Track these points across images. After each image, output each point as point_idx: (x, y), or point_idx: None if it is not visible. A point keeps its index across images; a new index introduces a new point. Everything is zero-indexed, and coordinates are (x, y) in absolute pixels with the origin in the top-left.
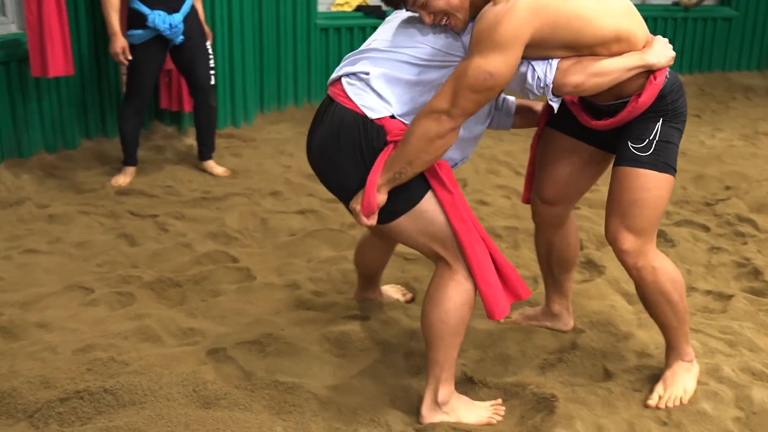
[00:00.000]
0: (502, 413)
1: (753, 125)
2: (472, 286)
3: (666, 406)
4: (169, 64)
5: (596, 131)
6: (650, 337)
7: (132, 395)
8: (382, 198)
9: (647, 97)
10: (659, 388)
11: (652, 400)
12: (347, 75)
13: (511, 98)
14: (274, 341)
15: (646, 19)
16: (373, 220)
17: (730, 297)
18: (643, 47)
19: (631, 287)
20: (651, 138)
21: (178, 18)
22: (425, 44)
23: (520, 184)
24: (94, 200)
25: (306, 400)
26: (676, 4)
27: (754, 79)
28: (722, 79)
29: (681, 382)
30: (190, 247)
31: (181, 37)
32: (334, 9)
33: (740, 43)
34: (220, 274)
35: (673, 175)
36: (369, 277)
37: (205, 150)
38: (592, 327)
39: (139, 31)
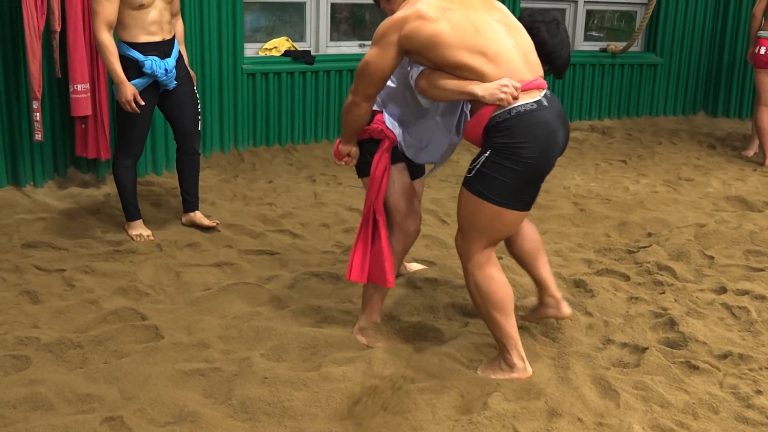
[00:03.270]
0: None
1: (676, 170)
2: (396, 254)
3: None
4: (86, 110)
5: None
6: None
7: None
8: (342, 147)
9: (473, 122)
10: (482, 366)
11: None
12: None
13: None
14: (173, 408)
15: (574, 65)
16: (342, 162)
17: (644, 350)
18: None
19: None
20: (475, 164)
21: (171, 62)
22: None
23: (444, 233)
24: None
25: None
26: (603, 50)
27: (680, 124)
28: (649, 124)
29: (489, 371)
30: (97, 304)
31: (175, 82)
32: (261, 54)
33: (665, 89)
34: (126, 334)
35: (490, 203)
36: None
37: (192, 200)
38: None
39: (138, 80)
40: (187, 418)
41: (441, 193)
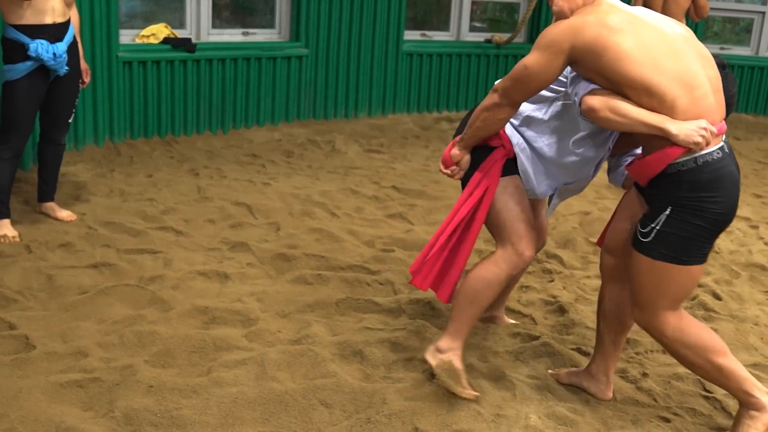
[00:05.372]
0: (469, 397)
1: None
2: (502, 271)
3: None
4: None
5: None
6: None
7: None
8: (456, 153)
9: (653, 159)
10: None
11: None
12: None
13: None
14: (48, 424)
15: (460, 56)
16: (448, 171)
17: (537, 338)
18: (682, 119)
19: None
20: (653, 225)
21: (62, 47)
22: None
23: (335, 226)
24: None
25: None
26: (488, 41)
27: None
28: None
29: (744, 429)
30: None
31: (66, 68)
32: (138, 41)
33: None
34: None
35: (681, 265)
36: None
37: (48, 190)
38: None
39: (21, 65)
40: None
41: (330, 185)
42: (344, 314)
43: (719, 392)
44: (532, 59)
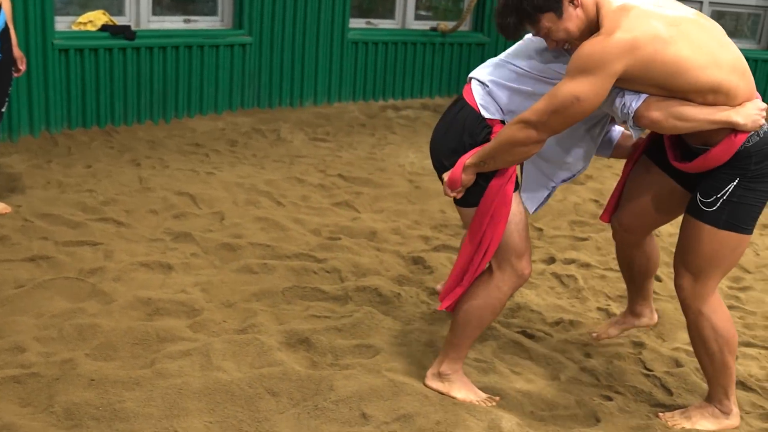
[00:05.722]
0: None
1: None
2: (504, 295)
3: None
4: None
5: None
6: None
7: None
8: (467, 178)
9: (720, 151)
10: (678, 412)
11: (663, 415)
12: (475, 79)
13: (618, 129)
14: None
15: (405, 44)
16: (454, 194)
17: None
18: (741, 103)
19: None
20: (719, 195)
21: None
22: (536, 59)
23: (280, 215)
24: None
25: None
26: (433, 29)
27: None
28: None
29: (697, 419)
30: None
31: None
32: (75, 28)
33: None
34: None
35: (741, 233)
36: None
37: None
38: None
39: None
40: None
41: (275, 174)
42: (290, 303)
43: (658, 370)
44: (582, 88)
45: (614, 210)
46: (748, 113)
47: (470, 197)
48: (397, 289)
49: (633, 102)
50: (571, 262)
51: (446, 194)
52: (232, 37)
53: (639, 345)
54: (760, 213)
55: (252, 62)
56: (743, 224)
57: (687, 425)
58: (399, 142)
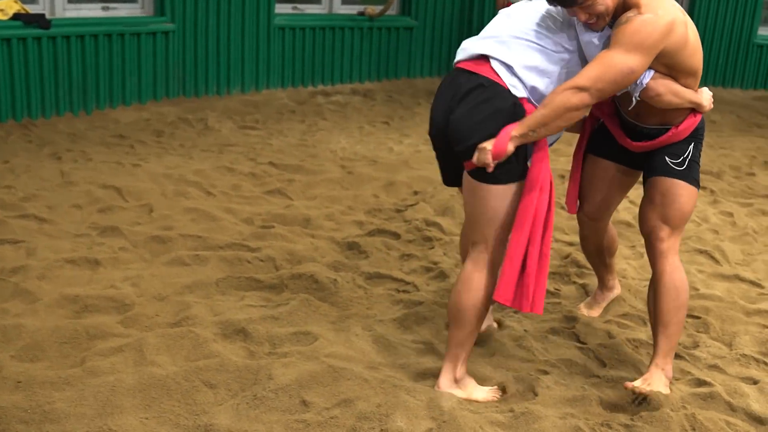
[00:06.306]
0: (498, 396)
1: None
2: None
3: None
4: None
5: (628, 153)
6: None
7: None
8: (509, 148)
9: (686, 127)
10: (641, 380)
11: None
12: (496, 59)
13: None
14: None
15: (333, 29)
16: (491, 165)
17: (420, 303)
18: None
19: None
20: (685, 156)
21: None
22: (556, 36)
23: (211, 206)
24: None
25: None
26: (361, 14)
27: (436, 84)
28: (408, 86)
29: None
30: None
31: None
32: None
33: (421, 51)
34: None
35: (698, 189)
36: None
37: None
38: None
39: None
40: None
41: (205, 164)
42: (225, 293)
43: (592, 343)
44: (638, 62)
45: (575, 203)
46: (707, 98)
47: (504, 174)
48: (333, 275)
49: (644, 76)
50: None
51: (484, 160)
52: (153, 24)
53: (572, 319)
54: None
55: (176, 50)
56: (699, 180)
57: (647, 389)
58: (330, 128)
